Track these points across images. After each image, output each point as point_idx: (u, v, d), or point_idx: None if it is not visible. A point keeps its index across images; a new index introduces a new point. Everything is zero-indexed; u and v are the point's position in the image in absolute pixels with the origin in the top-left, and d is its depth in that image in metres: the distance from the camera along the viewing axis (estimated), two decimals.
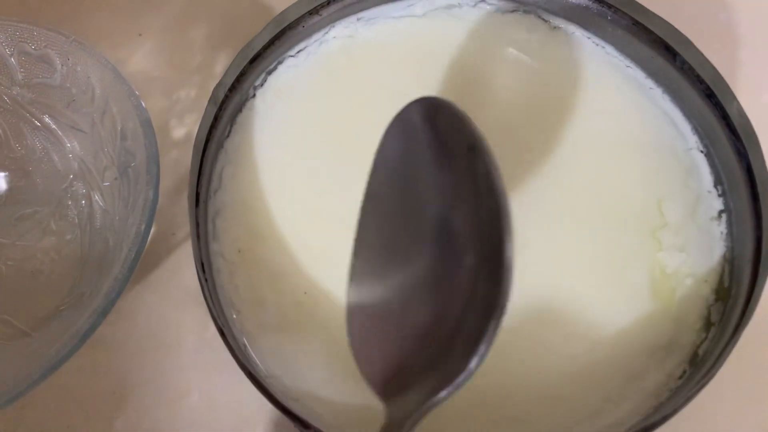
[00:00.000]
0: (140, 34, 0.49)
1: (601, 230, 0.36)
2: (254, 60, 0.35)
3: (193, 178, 0.31)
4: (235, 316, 0.32)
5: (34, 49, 0.39)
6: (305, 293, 0.34)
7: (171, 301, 0.41)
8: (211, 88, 0.46)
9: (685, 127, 0.37)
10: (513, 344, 0.33)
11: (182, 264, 0.42)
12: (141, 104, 0.37)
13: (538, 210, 0.36)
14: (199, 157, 0.32)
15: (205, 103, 0.46)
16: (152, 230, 0.39)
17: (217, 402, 0.39)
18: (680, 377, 0.32)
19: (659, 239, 0.35)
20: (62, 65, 0.39)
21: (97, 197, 0.41)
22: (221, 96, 0.33)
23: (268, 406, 0.37)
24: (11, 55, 0.39)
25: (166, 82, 0.47)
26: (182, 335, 0.40)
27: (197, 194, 0.31)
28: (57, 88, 0.40)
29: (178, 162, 0.45)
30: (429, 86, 0.39)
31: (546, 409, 0.32)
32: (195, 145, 0.32)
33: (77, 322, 0.34)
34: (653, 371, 0.32)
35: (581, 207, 0.36)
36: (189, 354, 0.40)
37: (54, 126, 0.42)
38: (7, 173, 0.43)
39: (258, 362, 0.31)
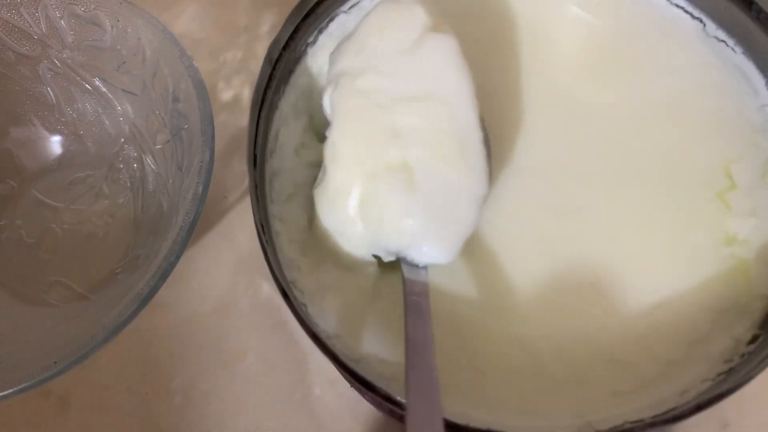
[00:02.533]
0: None
1: (664, 192, 0.34)
2: (308, 16, 0.34)
3: (251, 140, 0.31)
4: (295, 276, 0.32)
5: (84, 11, 0.39)
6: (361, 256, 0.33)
7: (224, 264, 0.41)
8: (258, 50, 0.46)
9: (759, 81, 0.35)
10: (573, 307, 0.32)
11: (235, 227, 0.42)
12: (193, 65, 0.36)
13: (599, 170, 0.35)
14: (256, 118, 0.31)
15: (252, 65, 0.45)
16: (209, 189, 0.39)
17: (272, 362, 0.39)
18: (750, 342, 0.31)
19: (728, 203, 0.34)
20: (112, 27, 0.38)
21: (149, 160, 0.41)
22: (275, 54, 0.33)
23: (323, 365, 0.38)
24: (61, 18, 0.39)
25: (213, 43, 0.47)
26: (236, 297, 0.40)
27: (255, 156, 0.31)
28: (107, 50, 0.39)
29: (228, 124, 0.44)
30: (486, 44, 0.38)
31: (608, 372, 0.31)
32: (252, 106, 0.31)
33: (135, 285, 0.34)
34: (719, 335, 0.31)
35: (644, 168, 0.35)
36: (243, 316, 0.40)
37: (105, 89, 0.41)
38: (59, 137, 0.43)
39: (319, 323, 0.30)
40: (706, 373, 0.30)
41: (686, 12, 0.37)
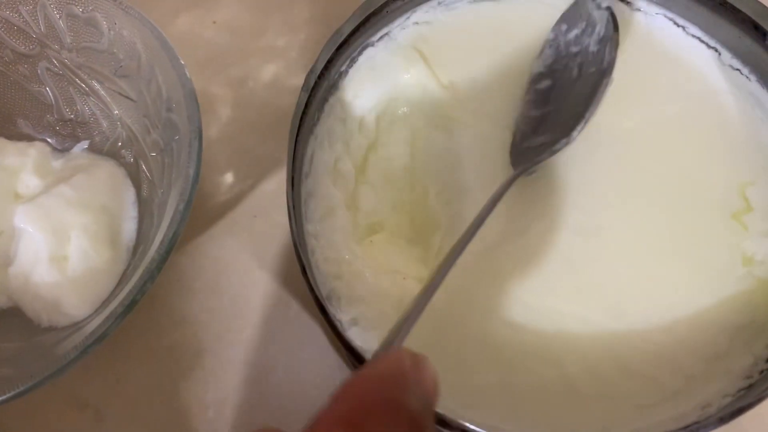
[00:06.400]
0: None
1: (682, 213, 0.36)
2: (341, 46, 0.36)
3: (289, 162, 0.32)
4: (335, 285, 0.33)
5: (82, 12, 0.38)
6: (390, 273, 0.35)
7: (255, 282, 0.42)
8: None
9: None
10: (594, 323, 0.34)
11: (264, 243, 0.43)
12: (185, 74, 0.34)
13: (619, 192, 0.36)
14: (293, 142, 0.33)
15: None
16: (240, 209, 0.40)
17: (301, 377, 0.40)
18: None
19: (745, 224, 0.35)
20: (109, 29, 0.38)
21: (144, 168, 0.41)
22: (312, 82, 0.34)
23: None
24: (59, 18, 0.39)
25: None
26: (267, 314, 0.41)
27: (292, 178, 0.32)
28: (104, 53, 0.39)
29: None
30: (507, 71, 0.39)
31: (632, 385, 0.32)
32: (290, 130, 0.33)
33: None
34: (738, 352, 0.32)
35: (662, 190, 0.36)
36: (273, 331, 0.41)
37: (102, 92, 0.41)
38: (57, 137, 0.43)
39: (355, 339, 0.32)
40: (727, 388, 0.31)
41: (702, 42, 0.38)
